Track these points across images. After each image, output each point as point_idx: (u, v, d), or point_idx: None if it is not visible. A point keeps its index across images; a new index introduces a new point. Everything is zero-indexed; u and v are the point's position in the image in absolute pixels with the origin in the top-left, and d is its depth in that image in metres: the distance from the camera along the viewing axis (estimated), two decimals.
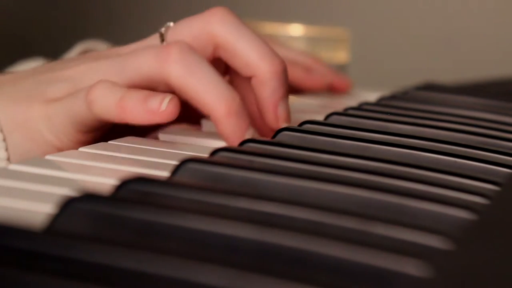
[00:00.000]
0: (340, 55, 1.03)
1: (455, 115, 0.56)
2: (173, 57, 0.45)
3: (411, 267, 0.24)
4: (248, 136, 0.45)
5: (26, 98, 0.48)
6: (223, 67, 0.50)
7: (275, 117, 0.48)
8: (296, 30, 1.03)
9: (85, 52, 0.74)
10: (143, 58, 0.46)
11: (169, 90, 0.46)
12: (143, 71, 0.46)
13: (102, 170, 0.39)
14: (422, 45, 1.61)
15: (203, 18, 0.48)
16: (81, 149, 0.41)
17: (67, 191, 0.33)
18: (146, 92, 0.44)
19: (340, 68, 1.03)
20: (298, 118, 0.50)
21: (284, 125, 0.48)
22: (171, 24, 0.50)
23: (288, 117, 0.48)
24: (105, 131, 0.49)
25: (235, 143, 0.44)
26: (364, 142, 0.43)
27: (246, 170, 0.34)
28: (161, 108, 0.43)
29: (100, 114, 0.45)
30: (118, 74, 0.46)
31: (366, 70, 1.55)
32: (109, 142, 0.45)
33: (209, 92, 0.45)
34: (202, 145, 0.46)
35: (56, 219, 0.27)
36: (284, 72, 0.48)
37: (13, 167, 0.37)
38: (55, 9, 1.81)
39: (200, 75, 0.45)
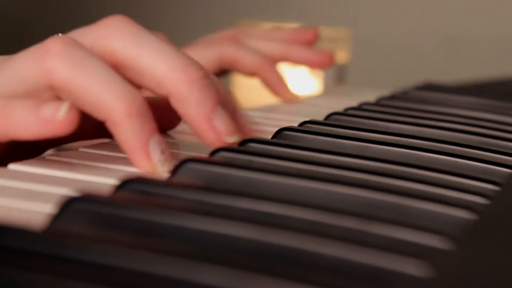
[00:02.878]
0: (340, 55, 1.03)
1: (455, 115, 0.56)
2: (53, 52, 0.37)
3: (411, 267, 0.24)
4: (153, 144, 0.37)
5: None
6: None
7: (214, 133, 0.39)
8: None
9: None
10: (20, 59, 0.38)
11: (57, 98, 0.38)
12: (22, 75, 0.38)
13: (102, 170, 0.39)
14: (422, 45, 1.61)
15: (95, 30, 0.39)
16: (81, 149, 0.41)
17: (67, 191, 0.33)
18: (34, 100, 0.36)
19: (340, 68, 1.03)
20: None
21: (233, 139, 0.40)
22: None
23: (233, 128, 0.40)
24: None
25: (136, 150, 0.37)
26: (364, 142, 0.43)
27: (246, 170, 0.34)
28: (58, 115, 0.35)
29: None
30: None
31: (366, 70, 1.55)
32: (109, 142, 0.44)
33: (105, 89, 0.36)
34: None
35: (56, 219, 0.27)
36: (205, 78, 0.39)
37: (13, 167, 0.37)
38: (53, 7, 1.81)
39: (90, 70, 0.36)
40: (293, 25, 1.03)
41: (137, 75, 0.39)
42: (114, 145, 0.44)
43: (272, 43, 0.74)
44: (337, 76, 1.02)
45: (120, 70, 0.39)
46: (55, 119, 0.35)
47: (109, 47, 0.39)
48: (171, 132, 0.48)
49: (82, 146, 0.42)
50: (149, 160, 0.37)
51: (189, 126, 0.40)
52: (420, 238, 0.27)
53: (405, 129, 0.50)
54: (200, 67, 0.39)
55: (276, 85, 0.71)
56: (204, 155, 0.39)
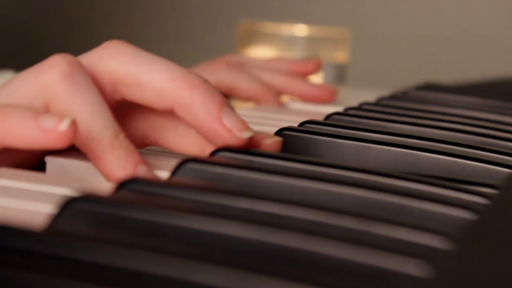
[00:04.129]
0: (340, 55, 1.03)
1: (455, 115, 0.56)
2: (57, 69, 0.38)
3: (411, 267, 0.24)
4: (140, 172, 0.37)
5: None
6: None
7: (226, 131, 0.39)
8: (296, 30, 1.03)
9: None
10: (23, 75, 0.39)
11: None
12: (23, 89, 0.38)
13: None
14: (422, 45, 1.61)
15: (94, 52, 0.40)
16: None
17: (67, 191, 0.33)
18: (33, 109, 0.36)
19: (340, 68, 1.03)
20: None
21: (246, 134, 0.39)
22: None
23: (243, 124, 0.39)
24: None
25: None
26: (364, 142, 0.43)
27: (246, 170, 0.34)
28: (60, 127, 0.35)
29: None
30: None
31: (366, 70, 1.55)
32: None
33: (92, 121, 0.37)
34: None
35: (56, 219, 0.27)
36: (206, 83, 0.39)
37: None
38: (56, 9, 1.81)
39: (85, 98, 0.37)
40: (294, 25, 1.03)
41: (137, 91, 0.40)
42: None
43: (272, 74, 0.72)
44: (337, 76, 1.02)
45: (120, 88, 0.40)
46: (56, 131, 0.35)
47: (108, 66, 0.40)
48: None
49: None
50: None
51: (200, 131, 0.39)
52: (420, 238, 0.27)
53: (405, 129, 0.50)
54: (198, 75, 0.40)
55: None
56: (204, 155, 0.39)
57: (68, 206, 0.27)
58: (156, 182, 0.31)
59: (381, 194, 0.32)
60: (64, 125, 0.35)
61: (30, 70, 0.38)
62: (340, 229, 0.28)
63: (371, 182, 0.34)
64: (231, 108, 0.39)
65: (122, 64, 0.40)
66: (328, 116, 0.53)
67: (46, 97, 0.38)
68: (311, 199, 0.32)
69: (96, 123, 0.37)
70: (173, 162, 0.36)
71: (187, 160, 0.35)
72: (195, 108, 0.39)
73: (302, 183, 0.33)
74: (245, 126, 0.39)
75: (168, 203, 0.29)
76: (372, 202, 0.32)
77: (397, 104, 0.62)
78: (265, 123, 0.55)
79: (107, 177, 0.37)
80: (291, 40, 1.02)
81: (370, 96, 0.68)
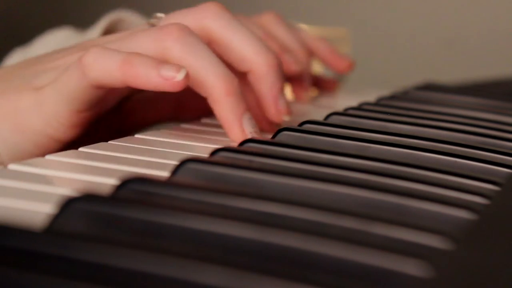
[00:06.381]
0: None
1: (455, 115, 0.56)
2: (174, 36, 0.45)
3: (411, 267, 0.24)
4: (246, 119, 0.45)
5: (14, 90, 0.47)
6: None
7: (276, 111, 0.49)
8: None
9: (113, 25, 0.74)
10: (141, 38, 0.46)
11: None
12: (141, 50, 0.45)
13: (102, 170, 0.39)
14: (422, 45, 1.61)
15: (196, 12, 0.48)
16: (81, 149, 0.41)
17: (67, 191, 0.33)
18: (154, 58, 0.44)
19: None
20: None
21: (286, 118, 0.50)
22: (162, 15, 0.50)
23: (289, 110, 0.49)
24: (100, 111, 0.48)
25: (233, 124, 0.45)
26: (364, 142, 0.43)
27: (246, 170, 0.34)
28: (177, 77, 0.43)
29: (98, 78, 0.44)
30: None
31: (366, 70, 1.55)
32: (109, 142, 0.44)
33: (209, 71, 0.45)
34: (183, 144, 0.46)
35: (56, 219, 0.27)
36: (280, 66, 0.49)
37: (13, 167, 0.37)
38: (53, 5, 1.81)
39: (200, 55, 0.45)
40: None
41: (226, 52, 0.48)
42: (114, 145, 0.44)
43: (300, 36, 0.73)
44: (337, 76, 1.02)
45: (211, 45, 0.48)
46: (174, 79, 0.43)
47: (208, 26, 0.48)
48: (171, 133, 0.48)
49: (82, 146, 0.42)
50: (243, 133, 0.46)
51: (259, 97, 0.49)
52: (420, 238, 0.27)
53: (405, 129, 0.50)
54: (276, 55, 0.49)
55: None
56: (204, 155, 0.39)
57: (68, 206, 0.27)
58: (156, 182, 0.31)
59: (381, 194, 0.32)
60: (180, 76, 0.43)
61: (149, 34, 0.45)
62: (340, 229, 0.28)
63: (371, 182, 0.34)
64: (285, 95, 0.49)
65: (219, 27, 0.48)
66: (328, 116, 0.53)
67: (165, 56, 0.45)
68: (311, 199, 0.32)
69: (211, 72, 0.45)
70: (173, 162, 0.36)
71: (187, 160, 0.35)
72: (264, 82, 0.48)
73: (302, 183, 0.33)
74: (290, 112, 0.49)
75: (168, 203, 0.29)
76: (372, 202, 0.32)
77: (397, 104, 0.62)
78: None
79: (222, 119, 0.46)
80: None
81: (370, 96, 0.68)
